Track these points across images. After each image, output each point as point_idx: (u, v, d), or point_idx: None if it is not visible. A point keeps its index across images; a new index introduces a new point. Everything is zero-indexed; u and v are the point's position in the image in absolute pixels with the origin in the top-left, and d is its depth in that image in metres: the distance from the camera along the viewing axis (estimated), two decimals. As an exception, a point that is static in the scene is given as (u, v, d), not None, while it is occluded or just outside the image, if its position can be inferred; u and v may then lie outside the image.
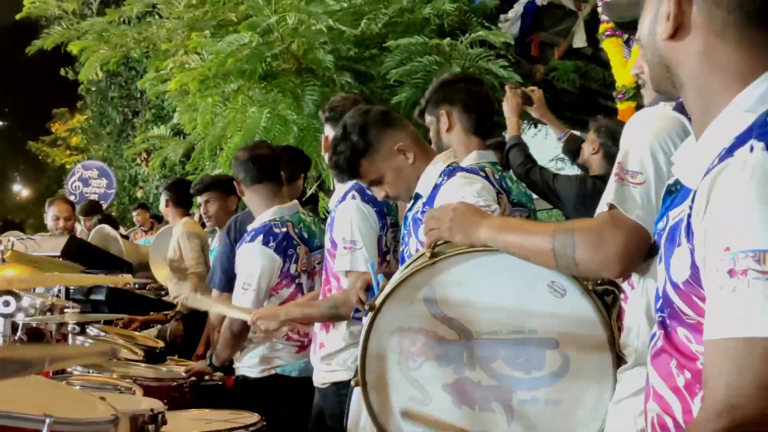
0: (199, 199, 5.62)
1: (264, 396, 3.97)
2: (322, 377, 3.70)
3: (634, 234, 1.90)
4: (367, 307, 2.31)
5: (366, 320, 2.32)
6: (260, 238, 4.03)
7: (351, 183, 3.55)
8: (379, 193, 3.17)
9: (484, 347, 2.23)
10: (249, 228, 4.23)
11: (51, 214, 7.08)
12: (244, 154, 4.22)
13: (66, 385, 2.39)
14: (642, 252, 1.90)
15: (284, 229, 4.10)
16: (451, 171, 3.04)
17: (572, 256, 1.96)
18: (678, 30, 1.40)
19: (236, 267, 4.18)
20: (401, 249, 3.20)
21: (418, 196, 3.08)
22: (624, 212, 1.92)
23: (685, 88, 1.45)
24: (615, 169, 2.01)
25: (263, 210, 4.18)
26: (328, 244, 3.67)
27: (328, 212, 4.01)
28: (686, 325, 1.43)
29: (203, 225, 6.16)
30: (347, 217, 3.52)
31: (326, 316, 3.59)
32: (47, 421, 1.70)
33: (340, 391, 3.54)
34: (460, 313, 2.25)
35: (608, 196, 1.98)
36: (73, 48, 8.03)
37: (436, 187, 3.02)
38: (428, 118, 3.79)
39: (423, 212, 3.00)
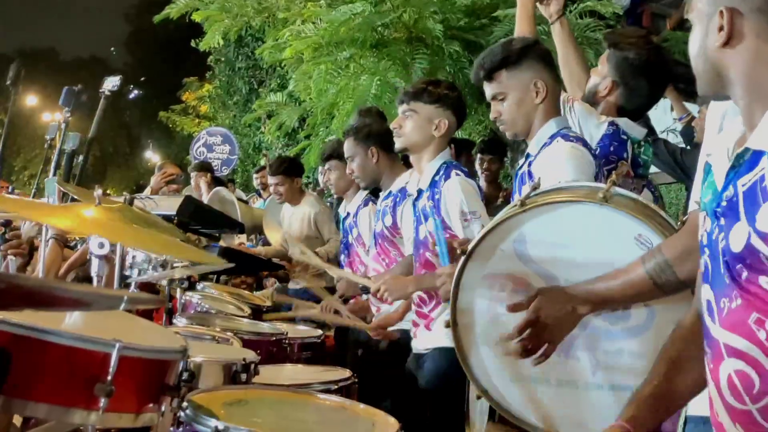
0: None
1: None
2: (432, 342, 3.69)
3: None
4: (459, 252, 2.33)
5: (458, 265, 2.32)
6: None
7: (437, 161, 3.66)
8: (493, 111, 3.10)
9: None
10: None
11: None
12: None
13: (143, 318, 2.50)
14: None
15: None
16: (556, 135, 2.99)
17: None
18: (730, 39, 1.65)
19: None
20: None
21: (528, 156, 3.06)
22: None
23: (734, 84, 1.69)
24: None
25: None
26: (432, 225, 3.51)
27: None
28: None
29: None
30: (458, 191, 3.52)
31: None
32: (117, 345, 1.80)
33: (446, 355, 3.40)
34: (548, 261, 2.24)
35: None
36: (196, 17, 8.34)
37: (543, 148, 2.99)
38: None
39: (529, 173, 2.99)
